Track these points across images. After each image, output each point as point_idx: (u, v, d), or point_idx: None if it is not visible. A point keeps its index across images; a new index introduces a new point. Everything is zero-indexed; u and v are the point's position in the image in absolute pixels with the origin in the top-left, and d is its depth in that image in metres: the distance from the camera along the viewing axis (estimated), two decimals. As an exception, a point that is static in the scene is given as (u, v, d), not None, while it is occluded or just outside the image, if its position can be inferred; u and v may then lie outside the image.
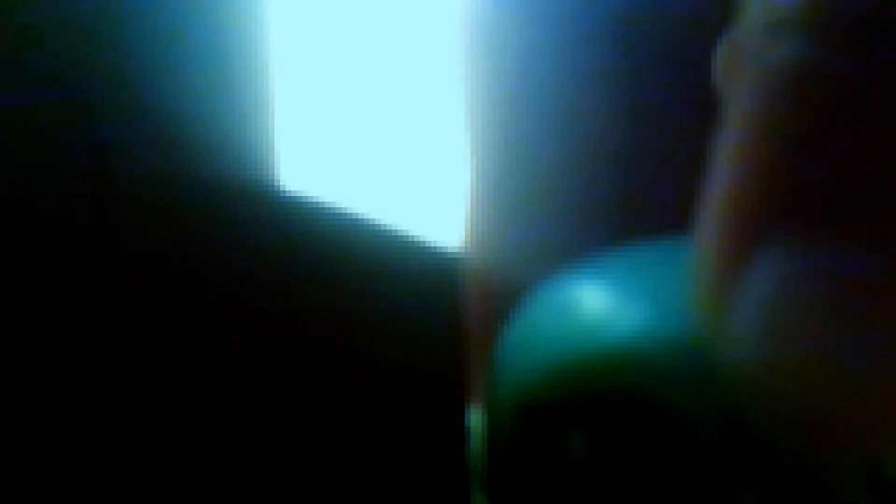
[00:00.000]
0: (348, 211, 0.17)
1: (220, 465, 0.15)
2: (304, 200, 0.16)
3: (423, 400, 0.18)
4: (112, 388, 0.14)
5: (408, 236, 0.18)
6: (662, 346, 0.15)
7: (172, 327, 0.15)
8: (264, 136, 0.16)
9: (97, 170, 0.14)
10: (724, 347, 0.12)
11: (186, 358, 0.15)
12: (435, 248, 0.18)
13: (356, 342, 0.17)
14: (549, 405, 0.16)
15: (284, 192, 0.16)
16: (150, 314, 0.15)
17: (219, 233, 0.15)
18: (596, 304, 0.16)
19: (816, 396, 0.11)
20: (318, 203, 0.17)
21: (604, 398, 0.16)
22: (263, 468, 0.15)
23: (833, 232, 0.11)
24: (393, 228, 0.17)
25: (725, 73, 0.13)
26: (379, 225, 0.17)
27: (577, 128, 0.20)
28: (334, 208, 0.17)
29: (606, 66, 0.20)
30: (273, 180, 0.16)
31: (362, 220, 0.17)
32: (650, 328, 0.16)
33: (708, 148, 0.13)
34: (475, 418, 0.18)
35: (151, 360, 0.15)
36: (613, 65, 0.20)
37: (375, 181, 0.23)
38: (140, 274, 0.15)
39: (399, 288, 0.17)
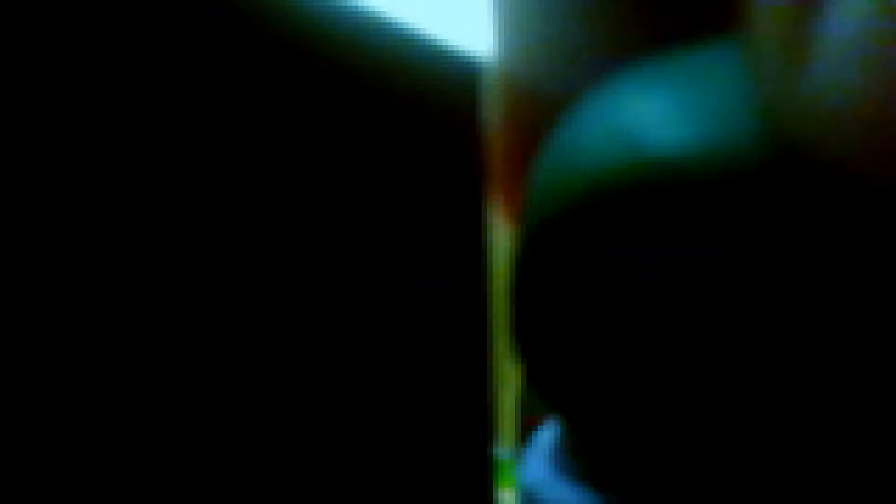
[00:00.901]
0: (367, 11, 0.16)
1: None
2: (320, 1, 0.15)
3: (442, 214, 0.17)
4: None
5: (428, 38, 0.17)
6: (712, 145, 0.15)
7: (186, 135, 0.14)
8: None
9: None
10: (802, 103, 0.12)
11: (196, 168, 0.14)
12: (456, 52, 0.17)
13: (371, 150, 0.16)
14: (598, 207, 0.16)
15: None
16: (162, 120, 0.14)
17: (236, 33, 0.15)
18: (640, 109, 0.16)
19: None
20: (333, 3, 0.16)
21: (654, 193, 0.15)
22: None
23: None
24: (413, 30, 0.17)
25: None
26: (399, 26, 0.16)
27: None
28: (352, 8, 0.16)
29: None
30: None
31: (382, 20, 0.16)
32: (698, 132, 0.15)
33: None
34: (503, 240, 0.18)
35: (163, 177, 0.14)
36: None
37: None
38: (147, 77, 0.14)
39: (418, 91, 0.17)
